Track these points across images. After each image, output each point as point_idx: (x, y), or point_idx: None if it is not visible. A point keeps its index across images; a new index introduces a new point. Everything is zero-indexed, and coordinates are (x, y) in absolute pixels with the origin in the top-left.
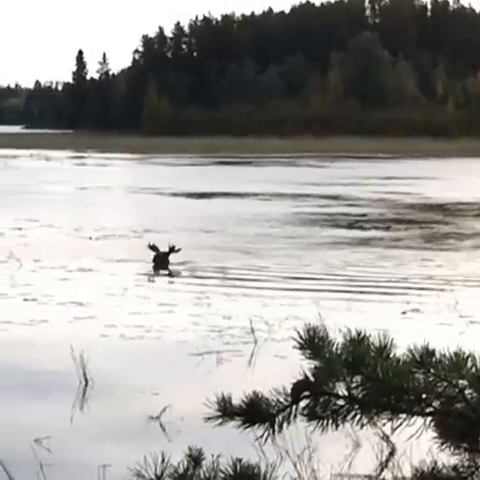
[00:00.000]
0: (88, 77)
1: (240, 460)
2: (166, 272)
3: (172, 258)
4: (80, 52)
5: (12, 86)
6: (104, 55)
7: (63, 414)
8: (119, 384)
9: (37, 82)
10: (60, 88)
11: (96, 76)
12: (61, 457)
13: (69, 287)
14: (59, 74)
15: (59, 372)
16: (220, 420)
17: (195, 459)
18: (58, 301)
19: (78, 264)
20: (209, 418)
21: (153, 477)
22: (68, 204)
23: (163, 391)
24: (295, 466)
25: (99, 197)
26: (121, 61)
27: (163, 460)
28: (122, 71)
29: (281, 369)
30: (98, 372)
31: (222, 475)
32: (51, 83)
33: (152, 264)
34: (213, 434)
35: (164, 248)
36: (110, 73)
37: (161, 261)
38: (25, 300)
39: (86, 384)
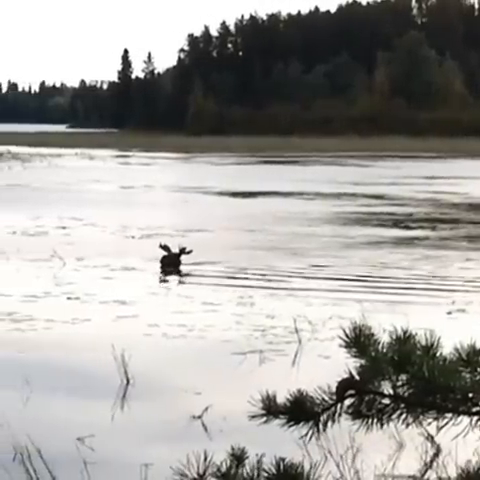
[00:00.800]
0: (133, 76)
1: (283, 459)
2: (176, 274)
3: (217, 257)
4: (125, 51)
5: (57, 85)
6: (149, 54)
7: (105, 413)
8: (161, 383)
9: (82, 81)
10: (105, 87)
11: (141, 75)
12: (103, 456)
13: (112, 286)
14: (104, 73)
15: (101, 371)
16: (264, 418)
17: (238, 458)
18: (101, 300)
19: (121, 263)
20: (253, 416)
21: (196, 476)
22: (112, 203)
23: (205, 390)
24: (338, 466)
25: (143, 196)
26: (166, 60)
27: (206, 459)
28: (167, 70)
29: (324, 369)
30: (140, 371)
31: (265, 474)
32: (96, 82)
33: (159, 265)
34: (255, 433)
35: (205, 247)
36: (155, 72)
37: (169, 262)
38: (68, 299)
39: (128, 383)
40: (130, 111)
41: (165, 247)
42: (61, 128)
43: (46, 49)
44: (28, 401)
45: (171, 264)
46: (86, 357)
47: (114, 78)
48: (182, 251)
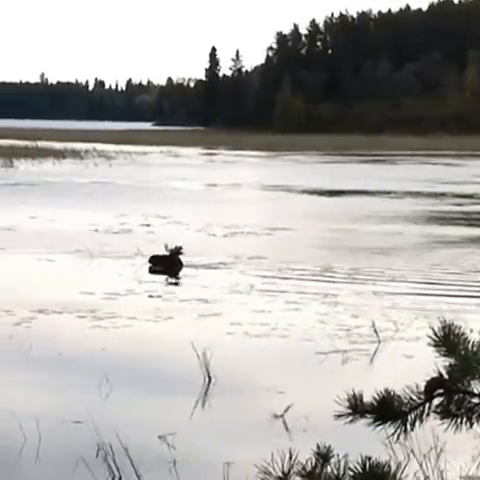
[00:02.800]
0: (221, 74)
1: (369, 458)
2: (173, 275)
3: (302, 256)
4: (213, 49)
5: (144, 83)
6: (237, 52)
7: (187, 411)
8: (243, 382)
9: (169, 79)
10: (192, 85)
11: (229, 73)
12: (185, 454)
13: (195, 284)
14: (191, 71)
15: (183, 369)
16: (350, 418)
17: (323, 456)
18: (183, 298)
19: (205, 261)
20: (339, 415)
21: (280, 475)
22: (197, 201)
23: (287, 389)
24: (421, 466)
25: (228, 194)
26: (254, 58)
27: (291, 457)
28: (255, 68)
29: (407, 369)
30: (222, 369)
31: (351, 473)
32: (183, 80)
33: (148, 265)
34: (338, 433)
35: (290, 246)
36: (243, 70)
37: (157, 263)
38: (150, 297)
39: (209, 381)
40: (217, 109)
41: (173, 250)
42: (147, 126)
43: (133, 47)
44: (110, 398)
45: (159, 265)
46: (168, 355)
47: (201, 76)
48: (175, 252)
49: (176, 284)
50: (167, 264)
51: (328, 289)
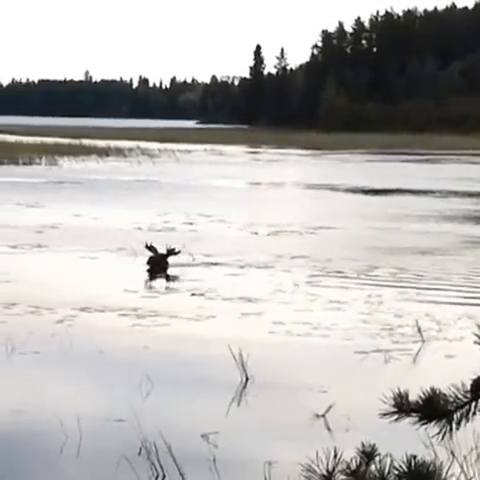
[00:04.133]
0: (265, 72)
1: (414, 456)
2: (162, 275)
3: (345, 255)
4: (258, 47)
5: (188, 81)
6: (282, 50)
7: (231, 409)
8: (285, 381)
9: (213, 77)
10: (236, 83)
11: (273, 71)
12: (227, 453)
13: (238, 283)
14: (236, 69)
15: (224, 368)
16: (395, 416)
17: (368, 455)
18: (226, 297)
19: (248, 260)
20: (385, 414)
21: (325, 473)
22: (240, 199)
23: (329, 389)
24: (462, 467)
25: (272, 192)
26: (299, 56)
27: (335, 456)
28: (300, 66)
29: (452, 368)
30: (263, 368)
31: (396, 472)
32: (227, 78)
33: (147, 267)
34: (380, 432)
35: (334, 245)
36: (288, 68)
37: (156, 263)
38: (192, 295)
39: (248, 380)
40: (261, 107)
41: (151, 248)
42: (191, 124)
43: (178, 45)
44: (151, 396)
45: (158, 266)
46: (209, 353)
47: (246, 74)
48: (170, 252)
49: (219, 283)
50: (161, 265)
51: (371, 288)
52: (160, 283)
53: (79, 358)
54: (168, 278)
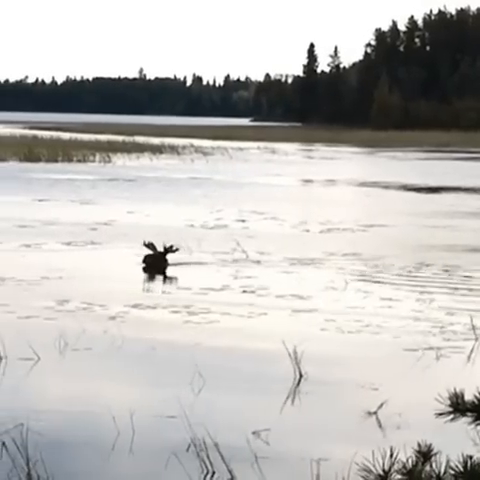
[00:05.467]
0: (319, 70)
1: (471, 456)
2: (160, 274)
3: (397, 252)
4: (312, 45)
5: (242, 78)
6: (336, 48)
7: (281, 407)
8: (336, 378)
9: (267, 75)
10: (290, 81)
11: (327, 69)
12: (279, 450)
13: (290, 280)
14: (289, 67)
15: (275, 364)
16: (451, 416)
17: (424, 455)
18: (278, 294)
19: (301, 257)
20: (440, 414)
21: (381, 472)
22: (293, 197)
23: (381, 386)
24: None
25: (324, 190)
26: (352, 54)
27: (391, 455)
28: (353, 64)
29: None
30: (315, 365)
31: (452, 472)
32: (281, 76)
33: (143, 265)
34: (433, 431)
35: (386, 243)
36: (341, 66)
37: (153, 261)
38: (244, 292)
39: (301, 377)
40: (314, 105)
41: (150, 245)
42: (244, 122)
43: (232, 43)
44: (202, 393)
45: (155, 264)
46: (260, 350)
47: (299, 72)
48: (167, 250)
49: (271, 280)
50: (159, 263)
51: (423, 286)
52: (213, 280)
53: (131, 354)
54: (166, 276)
